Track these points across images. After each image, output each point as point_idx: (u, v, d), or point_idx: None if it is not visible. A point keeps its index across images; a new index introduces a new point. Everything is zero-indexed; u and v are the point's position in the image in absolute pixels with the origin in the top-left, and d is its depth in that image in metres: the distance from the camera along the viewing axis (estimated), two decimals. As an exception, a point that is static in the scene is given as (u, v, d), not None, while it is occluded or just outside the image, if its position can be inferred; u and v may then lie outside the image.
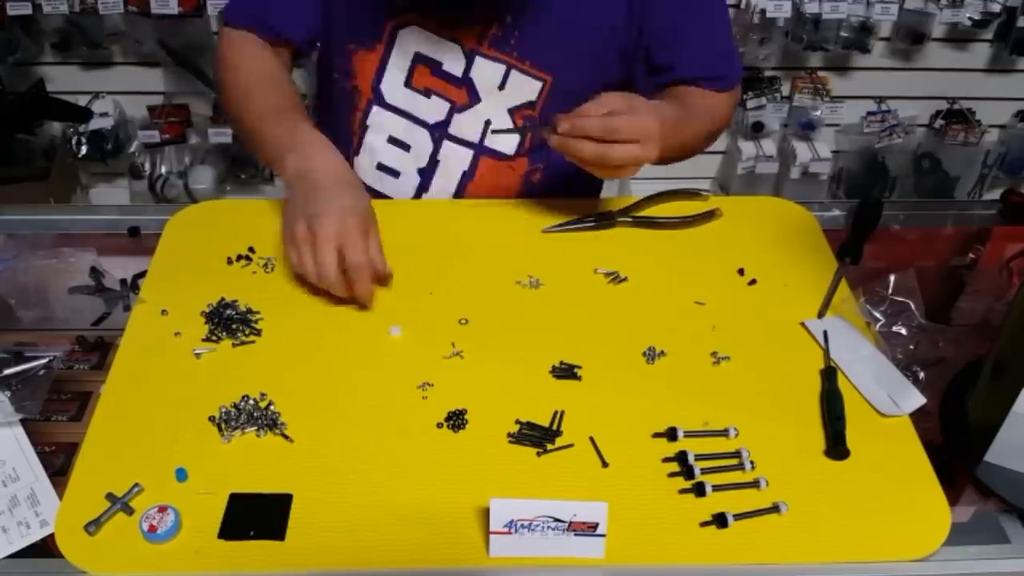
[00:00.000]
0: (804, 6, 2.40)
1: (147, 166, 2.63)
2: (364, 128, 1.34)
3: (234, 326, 1.07)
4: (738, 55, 1.40)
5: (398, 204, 1.31)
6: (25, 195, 2.38)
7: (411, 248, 1.20)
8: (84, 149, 2.53)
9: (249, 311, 1.10)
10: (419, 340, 1.07)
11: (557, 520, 0.83)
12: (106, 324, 1.13)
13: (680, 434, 0.95)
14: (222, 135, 2.52)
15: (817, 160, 2.63)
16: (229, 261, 1.18)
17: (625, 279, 1.17)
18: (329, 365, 1.04)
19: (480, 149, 1.33)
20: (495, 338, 1.08)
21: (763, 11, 2.39)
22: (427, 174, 1.34)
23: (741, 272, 1.17)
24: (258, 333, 1.08)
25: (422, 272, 1.17)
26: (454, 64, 1.28)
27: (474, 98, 1.30)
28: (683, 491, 0.91)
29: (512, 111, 1.30)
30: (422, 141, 1.33)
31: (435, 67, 1.28)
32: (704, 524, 0.89)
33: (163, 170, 2.63)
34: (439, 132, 1.32)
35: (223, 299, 1.11)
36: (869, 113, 2.63)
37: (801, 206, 1.29)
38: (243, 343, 1.07)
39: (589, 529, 0.84)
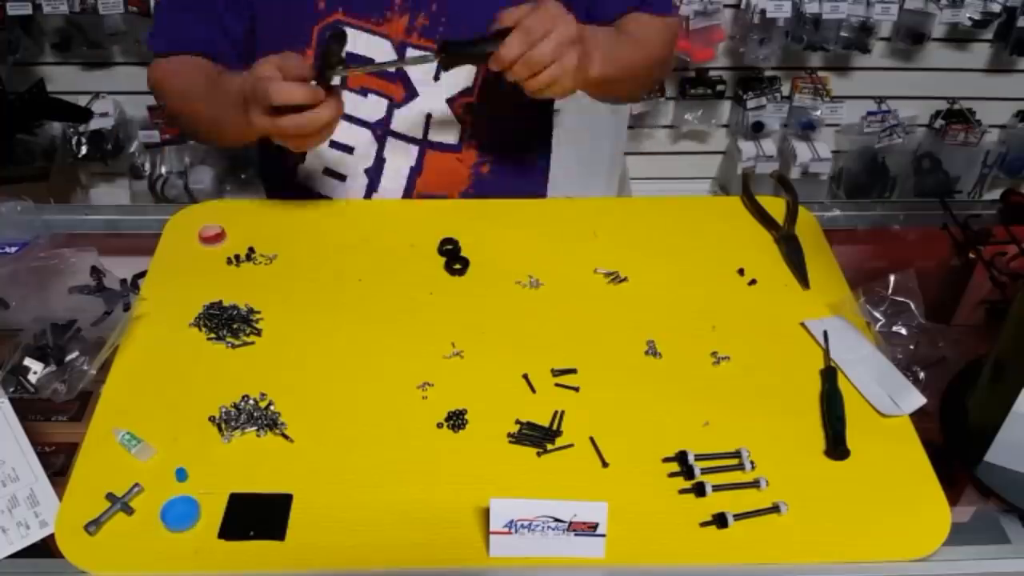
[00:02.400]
0: (804, 6, 2.39)
1: (147, 166, 2.63)
2: None
3: (235, 326, 1.07)
4: None
5: (399, 204, 1.31)
6: (25, 195, 2.37)
7: (411, 248, 1.20)
8: (84, 149, 2.53)
9: (250, 311, 1.10)
10: (419, 340, 1.07)
11: (557, 520, 0.83)
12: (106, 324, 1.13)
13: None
14: (222, 135, 2.51)
15: (817, 160, 2.63)
16: (229, 261, 1.18)
17: (625, 279, 1.17)
18: (329, 365, 1.04)
19: (425, 144, 1.32)
20: (495, 338, 1.08)
21: (763, 11, 2.39)
22: (374, 173, 1.33)
23: (741, 272, 1.17)
24: (258, 333, 1.08)
25: (422, 272, 1.17)
26: (385, 59, 1.25)
27: (411, 92, 1.28)
28: (683, 491, 0.91)
29: (451, 101, 1.29)
30: (365, 141, 1.31)
31: (365, 64, 1.25)
32: (704, 524, 0.89)
33: (163, 170, 2.63)
34: (381, 130, 1.31)
35: (223, 299, 1.11)
36: (869, 113, 2.63)
37: (802, 206, 1.29)
38: (243, 343, 1.07)
39: (589, 529, 0.84)
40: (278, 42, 1.18)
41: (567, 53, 1.07)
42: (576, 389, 1.02)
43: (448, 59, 1.11)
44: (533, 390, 1.01)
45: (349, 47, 1.20)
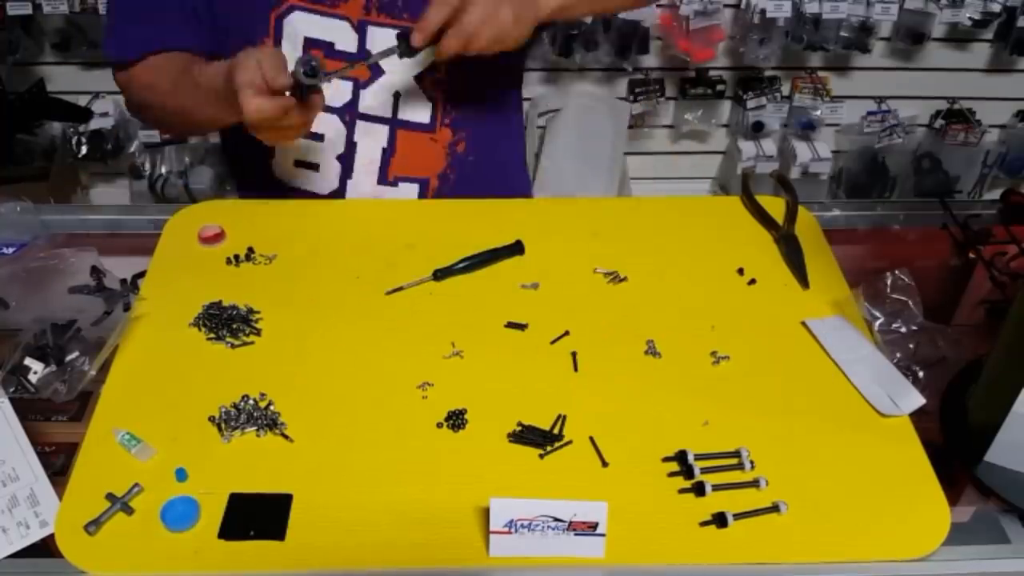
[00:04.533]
0: (804, 6, 2.39)
1: (147, 166, 2.63)
2: None
3: (234, 326, 1.07)
4: None
5: (399, 204, 1.31)
6: (25, 195, 2.37)
7: (411, 248, 1.20)
8: (84, 149, 2.53)
9: (249, 311, 1.10)
10: (419, 340, 1.07)
11: (557, 520, 0.83)
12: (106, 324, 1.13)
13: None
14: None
15: (817, 160, 2.63)
16: (229, 261, 1.18)
17: (625, 279, 1.17)
18: (329, 365, 1.04)
19: (395, 123, 1.29)
20: (495, 338, 1.08)
21: (763, 11, 2.39)
22: (346, 159, 1.31)
23: (741, 272, 1.17)
24: (258, 333, 1.08)
25: (422, 272, 1.17)
26: (346, 40, 1.24)
27: (376, 71, 1.26)
28: (683, 491, 0.91)
29: (419, 78, 1.27)
30: (334, 127, 1.29)
31: (328, 48, 1.24)
32: (704, 524, 0.89)
33: (163, 170, 2.63)
34: (349, 114, 1.29)
35: (223, 299, 1.11)
36: (869, 113, 2.63)
37: (802, 206, 1.29)
38: (243, 343, 1.07)
39: (589, 529, 0.84)
40: (239, 30, 1.18)
41: (499, 10, 1.07)
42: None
43: (406, 49, 1.11)
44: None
45: (304, 32, 1.22)
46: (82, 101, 2.49)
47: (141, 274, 1.17)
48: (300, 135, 1.14)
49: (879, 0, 2.40)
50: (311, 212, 1.27)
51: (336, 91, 1.27)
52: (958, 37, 2.55)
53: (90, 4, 2.30)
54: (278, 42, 1.25)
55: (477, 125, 1.32)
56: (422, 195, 1.32)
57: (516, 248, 1.20)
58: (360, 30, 1.23)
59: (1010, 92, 2.65)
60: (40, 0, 2.27)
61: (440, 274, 1.16)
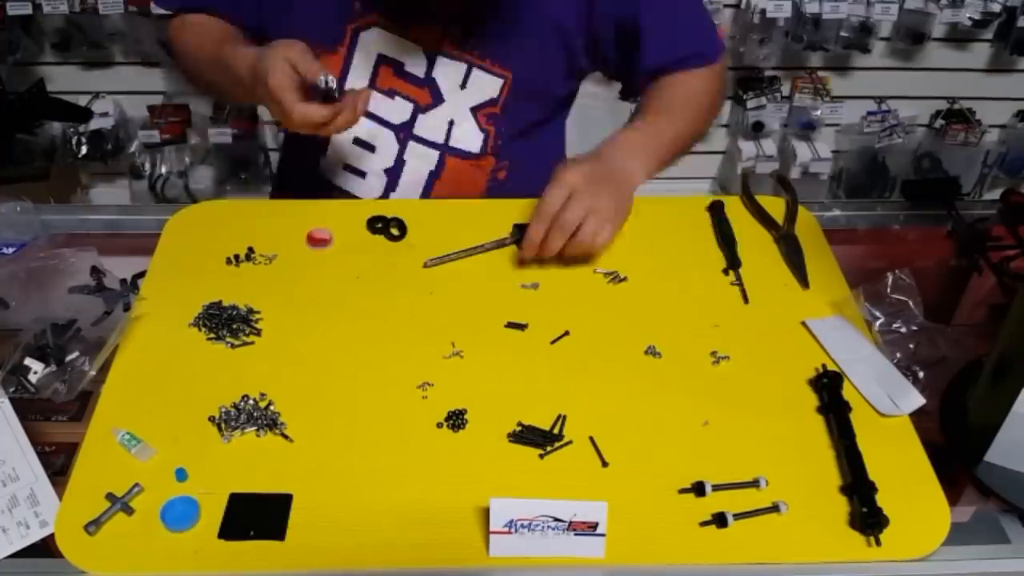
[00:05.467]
0: (804, 6, 2.40)
1: (147, 166, 2.63)
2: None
3: (234, 326, 1.07)
4: (712, 26, 1.39)
5: (399, 204, 1.31)
6: (25, 195, 2.37)
7: (412, 248, 1.20)
8: (84, 149, 2.53)
9: (249, 311, 1.10)
10: (419, 340, 1.07)
11: (557, 520, 0.83)
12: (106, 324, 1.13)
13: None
14: (222, 135, 2.52)
15: (817, 160, 2.63)
16: (229, 261, 1.18)
17: (625, 279, 1.17)
18: (329, 365, 1.04)
19: (446, 149, 1.33)
20: (495, 338, 1.08)
21: (763, 11, 2.39)
22: (393, 174, 1.34)
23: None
24: (258, 333, 1.08)
25: (423, 271, 1.17)
26: (416, 65, 1.28)
27: (437, 98, 1.30)
28: (683, 491, 0.91)
29: (475, 109, 1.31)
30: (388, 142, 1.33)
31: (398, 68, 1.29)
32: (704, 524, 0.89)
33: (163, 170, 2.63)
34: (404, 133, 1.33)
35: (223, 299, 1.11)
36: (869, 113, 2.63)
37: (802, 206, 1.29)
38: (243, 343, 1.07)
39: (589, 529, 0.84)
40: (311, 34, 1.19)
41: (602, 230, 1.12)
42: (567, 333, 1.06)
43: (520, 238, 1.17)
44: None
45: (378, 49, 1.27)
46: (82, 101, 2.49)
47: (141, 274, 1.17)
48: (343, 132, 1.16)
49: (879, 0, 2.40)
50: (311, 212, 1.27)
51: (396, 109, 1.31)
52: (958, 37, 2.55)
53: (90, 4, 2.30)
54: (352, 53, 1.29)
55: (521, 154, 1.35)
56: None
57: None
58: (430, 58, 1.28)
59: (1010, 92, 2.65)
60: (40, 0, 2.27)
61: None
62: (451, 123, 1.31)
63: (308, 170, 1.39)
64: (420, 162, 1.34)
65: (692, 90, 1.31)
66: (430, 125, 1.32)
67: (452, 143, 1.33)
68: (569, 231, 1.11)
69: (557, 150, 1.48)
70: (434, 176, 1.34)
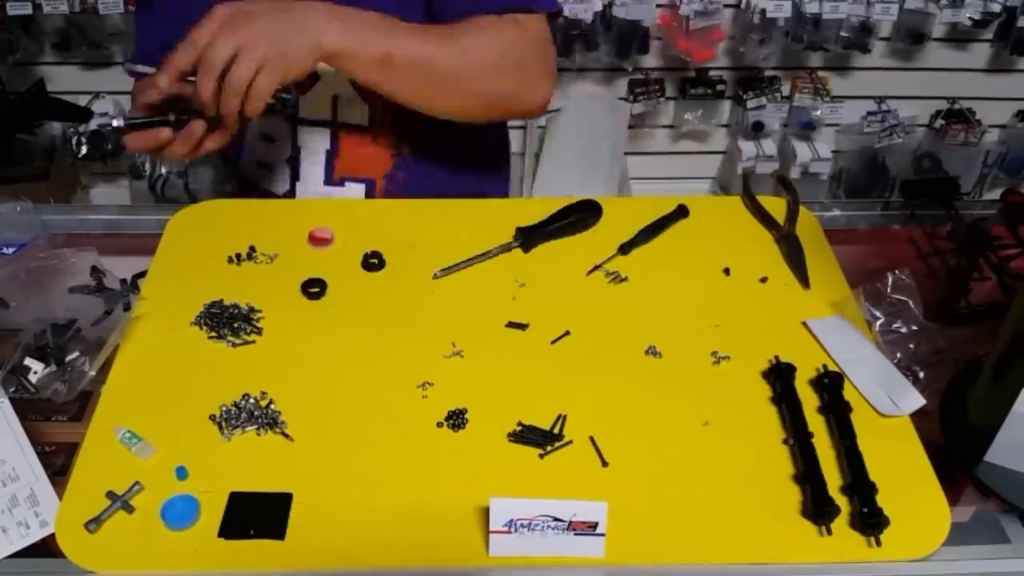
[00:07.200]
0: (804, 6, 2.40)
1: (147, 166, 2.63)
2: (242, 131, 1.28)
3: (235, 325, 1.07)
4: None
5: (399, 205, 1.31)
6: (25, 195, 2.37)
7: (412, 248, 1.20)
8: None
9: (250, 310, 1.10)
10: (419, 340, 1.07)
11: (557, 519, 0.83)
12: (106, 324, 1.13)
13: None
14: (222, 135, 2.52)
15: (817, 160, 2.63)
16: (230, 261, 1.18)
17: (625, 279, 1.17)
18: (329, 364, 1.04)
19: (336, 125, 1.32)
20: (495, 338, 1.08)
21: (763, 11, 2.39)
22: (294, 161, 1.35)
23: (727, 272, 1.17)
24: (259, 332, 1.08)
25: (423, 272, 1.17)
26: None
27: (314, 77, 1.25)
28: (683, 491, 0.91)
29: (354, 82, 1.22)
30: (282, 130, 1.34)
31: None
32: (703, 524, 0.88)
33: (163, 170, 2.63)
34: (292, 118, 1.33)
35: (224, 298, 1.11)
36: (869, 113, 2.63)
37: (802, 206, 1.29)
38: (244, 342, 1.07)
39: (589, 529, 0.84)
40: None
41: (259, 77, 1.00)
42: (567, 333, 1.06)
43: (525, 241, 1.19)
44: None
45: None
46: (82, 101, 2.48)
47: (141, 274, 1.17)
48: (209, 149, 1.09)
49: (879, 0, 2.40)
50: (312, 212, 1.27)
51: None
52: (958, 37, 2.55)
53: (90, 4, 2.30)
54: None
55: (418, 126, 1.29)
56: (369, 195, 1.35)
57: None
58: None
59: (1010, 92, 2.65)
60: (40, 0, 2.27)
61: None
62: (335, 98, 1.30)
63: (233, 174, 1.41)
64: (315, 143, 1.33)
65: (476, 28, 1.18)
66: (314, 104, 1.30)
67: (340, 118, 1.32)
68: (214, 72, 0.98)
69: (466, 124, 1.36)
70: (332, 155, 1.34)
